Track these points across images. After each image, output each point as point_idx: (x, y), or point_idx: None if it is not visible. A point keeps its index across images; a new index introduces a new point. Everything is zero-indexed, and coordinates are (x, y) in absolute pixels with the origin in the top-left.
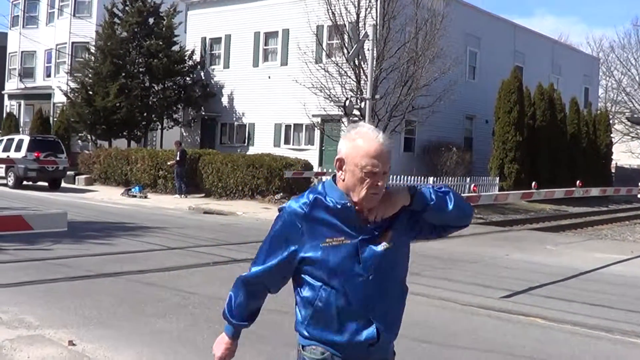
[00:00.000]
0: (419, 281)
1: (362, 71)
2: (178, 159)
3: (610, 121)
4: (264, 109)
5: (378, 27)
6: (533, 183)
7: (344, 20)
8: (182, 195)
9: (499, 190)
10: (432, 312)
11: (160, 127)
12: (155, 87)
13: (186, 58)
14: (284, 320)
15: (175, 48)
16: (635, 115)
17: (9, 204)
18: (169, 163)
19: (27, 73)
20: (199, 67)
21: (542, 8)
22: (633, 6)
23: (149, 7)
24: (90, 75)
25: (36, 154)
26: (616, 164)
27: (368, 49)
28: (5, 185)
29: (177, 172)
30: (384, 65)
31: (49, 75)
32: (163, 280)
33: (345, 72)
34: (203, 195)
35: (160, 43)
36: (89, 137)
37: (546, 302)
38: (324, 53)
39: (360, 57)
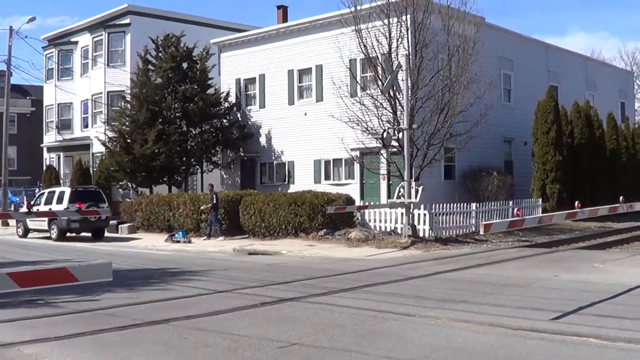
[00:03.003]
0: (469, 308)
1: (397, 102)
2: (215, 201)
3: None
4: (302, 146)
5: (410, 56)
6: (576, 202)
7: (376, 53)
8: (222, 237)
9: (542, 211)
10: (481, 338)
11: (200, 170)
12: (193, 131)
13: (222, 100)
14: None
15: (211, 91)
16: None
17: (53, 256)
18: (202, 208)
19: (64, 125)
20: (235, 108)
21: (572, 26)
22: None
23: (182, 52)
24: (127, 123)
25: (78, 205)
26: None
27: (402, 79)
28: (49, 237)
29: (212, 215)
30: (419, 94)
31: (86, 126)
32: (211, 325)
33: (381, 103)
34: (246, 236)
35: (195, 87)
36: (130, 185)
37: (597, 320)
38: (358, 86)
39: (394, 88)
